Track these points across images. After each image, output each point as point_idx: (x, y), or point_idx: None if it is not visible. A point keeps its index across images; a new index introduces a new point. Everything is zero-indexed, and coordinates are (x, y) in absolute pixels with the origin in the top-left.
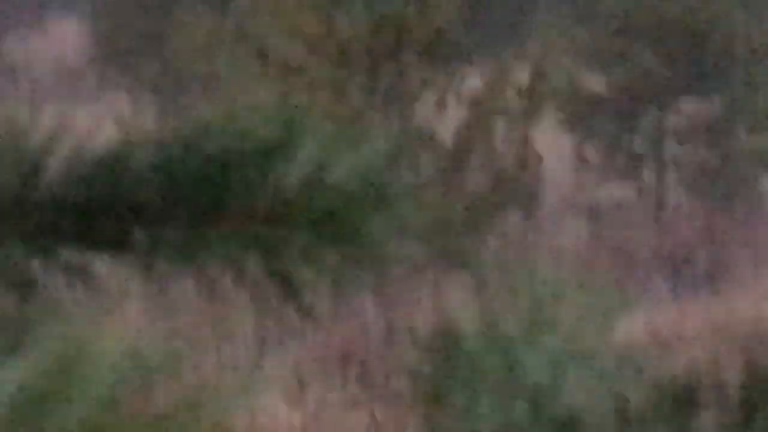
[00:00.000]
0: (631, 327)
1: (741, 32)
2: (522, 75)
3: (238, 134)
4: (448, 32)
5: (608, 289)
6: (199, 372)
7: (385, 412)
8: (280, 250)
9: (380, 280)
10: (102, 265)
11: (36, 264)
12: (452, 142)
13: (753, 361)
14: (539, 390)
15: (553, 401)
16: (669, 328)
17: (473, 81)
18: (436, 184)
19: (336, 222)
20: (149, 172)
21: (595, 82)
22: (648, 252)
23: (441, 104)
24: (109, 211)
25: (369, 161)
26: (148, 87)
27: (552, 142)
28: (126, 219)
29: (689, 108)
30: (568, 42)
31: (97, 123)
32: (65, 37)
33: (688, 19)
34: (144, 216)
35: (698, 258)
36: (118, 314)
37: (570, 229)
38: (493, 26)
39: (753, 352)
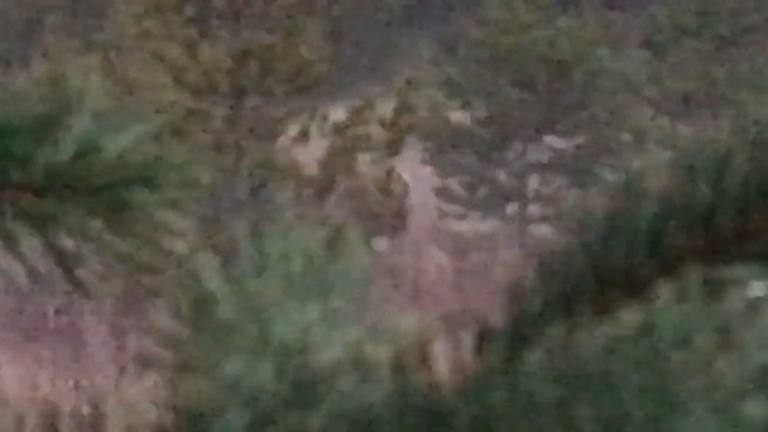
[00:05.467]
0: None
1: (605, 69)
2: (386, 107)
3: (12, 108)
4: (313, 63)
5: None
6: None
7: (139, 376)
8: (54, 222)
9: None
10: None
11: None
12: (316, 172)
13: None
14: (286, 352)
15: (301, 360)
16: None
17: (338, 112)
18: (301, 213)
19: (107, 195)
20: None
21: (459, 115)
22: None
23: (305, 135)
24: None
25: (140, 138)
26: None
27: (416, 174)
28: None
29: (553, 142)
30: (433, 75)
31: None
32: None
33: (552, 53)
34: None
35: None
36: None
37: (432, 259)
38: (358, 58)
39: None
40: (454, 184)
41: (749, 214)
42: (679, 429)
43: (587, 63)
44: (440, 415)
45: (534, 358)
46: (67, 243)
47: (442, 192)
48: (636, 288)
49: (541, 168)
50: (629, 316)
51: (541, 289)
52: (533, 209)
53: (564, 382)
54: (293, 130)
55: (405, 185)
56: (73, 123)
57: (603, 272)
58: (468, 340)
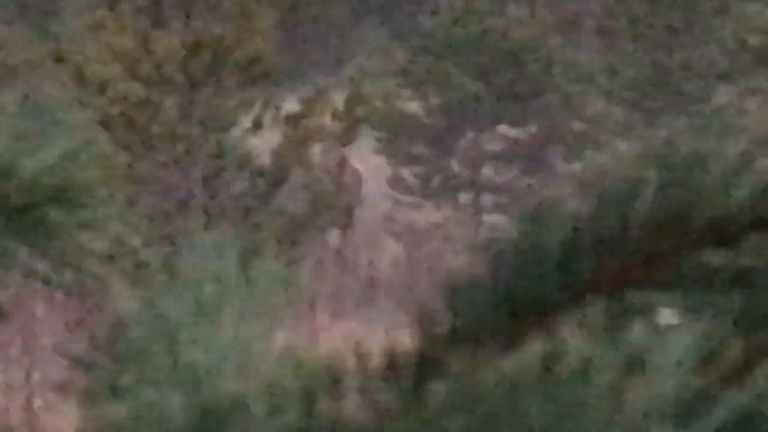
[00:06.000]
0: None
1: (558, 58)
2: (339, 97)
3: None
4: (266, 54)
5: (277, 289)
6: None
7: (49, 400)
8: None
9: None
10: None
11: None
12: (270, 162)
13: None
14: (197, 379)
15: (211, 388)
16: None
17: (291, 103)
18: (254, 204)
19: (23, 215)
20: None
21: (412, 105)
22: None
23: (258, 125)
24: None
25: (59, 157)
26: None
27: (369, 164)
28: None
29: (506, 132)
30: (386, 65)
31: None
32: None
33: (505, 43)
34: None
35: None
36: None
37: (385, 248)
38: (311, 49)
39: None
40: (408, 174)
41: (659, 240)
42: None
43: (540, 52)
44: None
45: (440, 388)
46: None
47: (395, 182)
48: (545, 315)
49: (495, 157)
50: (534, 347)
51: (450, 317)
52: (486, 198)
53: (469, 413)
54: (246, 120)
55: (358, 175)
56: None
57: (512, 299)
58: (377, 368)
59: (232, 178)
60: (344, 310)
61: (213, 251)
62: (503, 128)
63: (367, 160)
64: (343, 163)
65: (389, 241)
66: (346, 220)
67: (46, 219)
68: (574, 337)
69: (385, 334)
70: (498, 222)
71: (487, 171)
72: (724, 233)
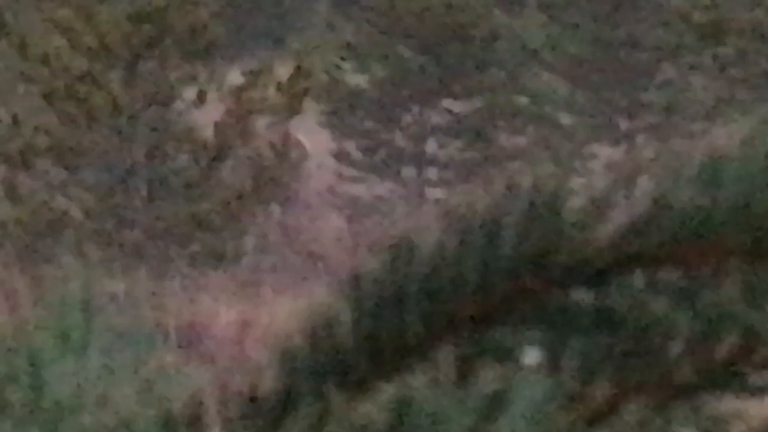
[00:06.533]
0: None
1: (502, 32)
2: (283, 70)
3: None
4: (209, 26)
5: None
6: None
7: None
8: None
9: None
10: None
11: None
12: (213, 136)
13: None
14: (59, 411)
15: (71, 424)
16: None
17: (234, 76)
18: (197, 177)
19: None
20: None
21: (356, 79)
22: None
23: (201, 99)
24: None
25: None
26: None
27: (313, 138)
28: None
29: (450, 106)
30: (330, 38)
31: None
32: None
33: (449, 16)
34: None
35: None
36: None
37: (329, 222)
38: (255, 22)
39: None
40: (352, 148)
41: (522, 276)
42: None
43: (484, 26)
44: None
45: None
46: None
47: (339, 155)
48: (403, 357)
49: (439, 131)
50: (385, 396)
51: (310, 354)
52: (430, 172)
53: None
54: (190, 93)
55: (302, 149)
56: None
57: (370, 339)
58: (237, 403)
59: (175, 152)
60: (287, 284)
61: (79, 276)
62: (448, 102)
63: (311, 133)
64: (286, 136)
65: (332, 214)
66: (290, 194)
67: None
68: (422, 385)
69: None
70: (440, 197)
71: (431, 145)
72: (589, 271)
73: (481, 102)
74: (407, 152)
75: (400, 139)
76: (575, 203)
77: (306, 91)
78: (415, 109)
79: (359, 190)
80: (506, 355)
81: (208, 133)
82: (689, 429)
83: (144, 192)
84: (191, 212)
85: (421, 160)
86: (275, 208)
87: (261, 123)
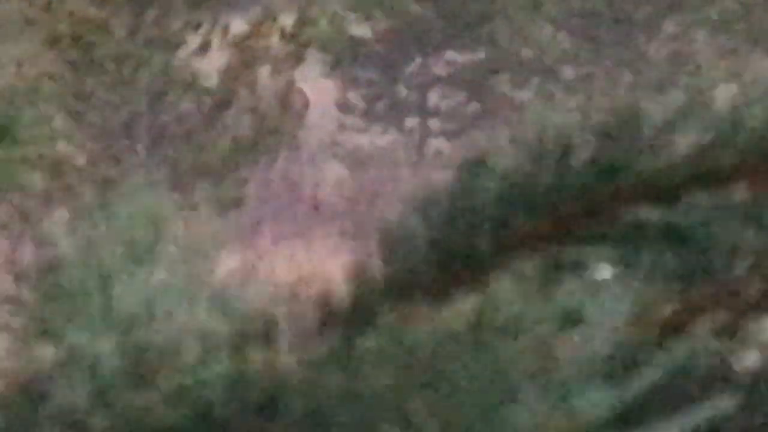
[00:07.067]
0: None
1: None
2: (287, 19)
3: None
4: None
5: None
6: None
7: None
8: None
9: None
10: None
11: None
12: (216, 84)
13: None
14: (130, 322)
15: (143, 333)
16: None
17: (238, 24)
18: (200, 125)
19: None
20: None
21: (360, 29)
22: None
23: (205, 47)
24: None
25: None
26: None
27: (316, 87)
28: None
29: (453, 57)
30: None
31: None
32: None
33: None
34: None
35: None
36: None
37: (331, 172)
38: None
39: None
40: (355, 98)
41: (594, 195)
42: (510, 419)
43: None
44: (275, 397)
45: (368, 344)
46: None
47: (342, 105)
48: (478, 270)
49: (441, 82)
50: (464, 303)
51: (382, 269)
52: (433, 123)
53: (396, 370)
54: (193, 41)
55: (305, 98)
56: None
57: (444, 253)
58: (310, 318)
59: (178, 99)
60: (287, 233)
61: (149, 191)
62: (451, 54)
63: (314, 83)
64: (290, 85)
65: (334, 164)
66: (292, 143)
67: None
68: (506, 291)
69: (322, 272)
70: (442, 148)
71: (433, 96)
72: (659, 190)
73: (484, 54)
74: (410, 103)
75: (402, 90)
76: (650, 122)
77: (310, 41)
78: (418, 59)
79: (362, 140)
80: (580, 270)
81: (212, 81)
82: (756, 349)
83: (146, 139)
84: (193, 160)
85: (423, 111)
86: (278, 157)
87: (264, 72)
